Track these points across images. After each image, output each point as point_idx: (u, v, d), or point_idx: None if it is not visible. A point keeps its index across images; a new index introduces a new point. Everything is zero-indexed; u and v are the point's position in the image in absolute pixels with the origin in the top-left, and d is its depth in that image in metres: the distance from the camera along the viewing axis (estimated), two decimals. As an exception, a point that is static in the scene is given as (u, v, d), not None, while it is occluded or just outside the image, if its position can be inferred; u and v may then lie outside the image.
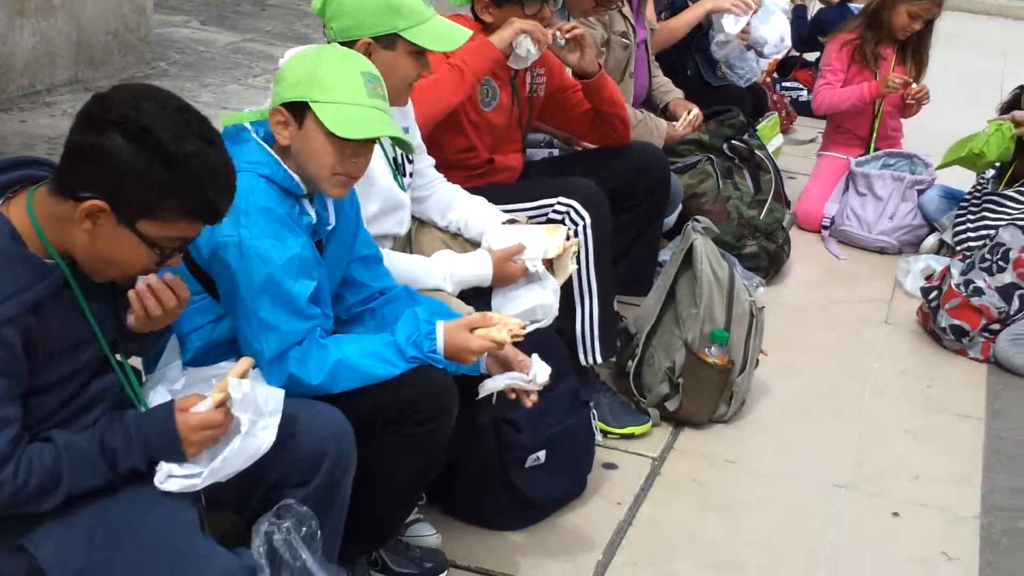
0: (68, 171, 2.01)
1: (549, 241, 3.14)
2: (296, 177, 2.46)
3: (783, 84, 7.31)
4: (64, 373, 2.07)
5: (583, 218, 3.50)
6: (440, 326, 2.51)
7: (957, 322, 4.32)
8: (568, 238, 3.22)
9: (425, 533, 2.96)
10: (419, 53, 2.88)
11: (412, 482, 2.65)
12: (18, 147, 4.89)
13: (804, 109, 6.96)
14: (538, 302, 3.09)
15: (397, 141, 2.56)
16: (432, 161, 3.33)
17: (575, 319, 3.54)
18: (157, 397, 2.25)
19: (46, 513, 2.06)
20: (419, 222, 3.31)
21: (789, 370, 4.10)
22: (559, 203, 3.51)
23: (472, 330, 2.54)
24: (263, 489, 2.34)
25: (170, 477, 2.08)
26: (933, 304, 4.40)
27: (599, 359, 3.58)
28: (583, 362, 3.56)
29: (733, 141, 4.96)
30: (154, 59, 6.41)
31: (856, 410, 3.92)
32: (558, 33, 3.57)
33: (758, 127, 5.68)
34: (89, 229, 1.99)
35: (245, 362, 2.16)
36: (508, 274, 3.10)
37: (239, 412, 2.11)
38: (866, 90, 5.48)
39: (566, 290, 3.53)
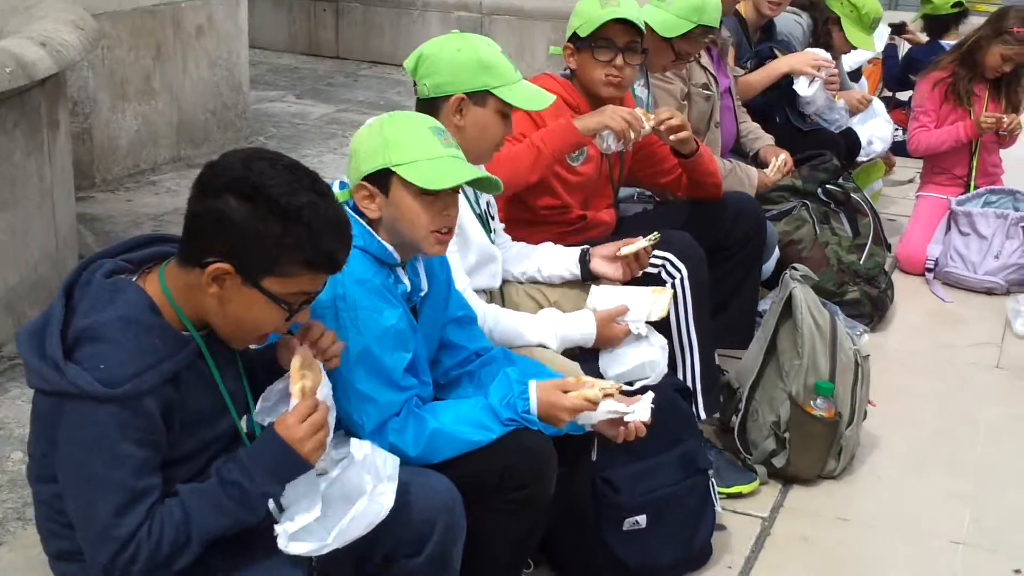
0: (190, 240, 2.07)
1: (653, 303, 3.12)
2: (389, 247, 2.48)
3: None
4: (198, 444, 2.11)
5: (679, 271, 3.45)
6: (533, 386, 2.50)
7: (1073, 364, 4.17)
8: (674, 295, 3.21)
9: None
10: (506, 115, 2.92)
11: (516, 549, 2.64)
12: (125, 225, 5.02)
13: (901, 150, 6.82)
14: (646, 359, 3.08)
15: (481, 183, 2.57)
16: (502, 226, 3.35)
17: (676, 375, 3.49)
18: None
19: None
20: (502, 279, 3.31)
21: (899, 420, 3.97)
22: (654, 256, 3.48)
23: (566, 391, 2.53)
24: (376, 559, 2.34)
25: (292, 541, 2.08)
26: (1047, 346, 4.26)
27: (703, 415, 3.51)
28: (686, 419, 3.51)
29: (828, 185, 4.88)
30: (252, 134, 6.57)
31: (971, 461, 3.78)
32: (650, 122, 3.50)
33: (856, 170, 5.63)
34: (216, 293, 2.04)
35: (302, 352, 2.18)
36: (611, 335, 3.10)
37: (364, 472, 2.14)
38: (962, 131, 5.37)
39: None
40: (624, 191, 4.06)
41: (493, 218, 3.22)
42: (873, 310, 4.73)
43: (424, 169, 2.42)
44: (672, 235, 3.56)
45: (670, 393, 3.20)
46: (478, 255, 3.04)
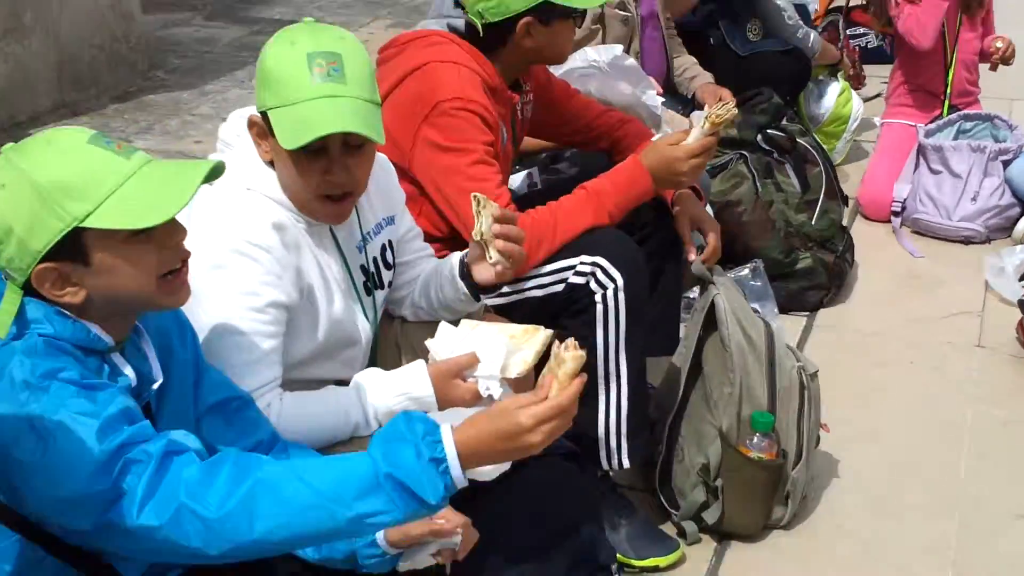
0: None
1: (516, 351, 2.16)
2: (95, 328, 1.72)
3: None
4: None
5: (613, 280, 2.67)
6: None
7: (1071, 345, 3.43)
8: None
9: None
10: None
11: None
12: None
13: (870, 57, 6.00)
14: None
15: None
16: (415, 231, 2.54)
17: (597, 412, 2.72)
18: None
19: None
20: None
21: (863, 434, 3.24)
22: (581, 263, 2.70)
23: None
24: None
25: None
26: (1037, 321, 3.51)
27: (626, 463, 2.75)
28: (606, 466, 2.75)
29: (769, 130, 4.09)
30: (150, 68, 5.87)
31: (953, 492, 3.03)
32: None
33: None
34: None
35: None
36: (453, 397, 2.19)
37: None
38: None
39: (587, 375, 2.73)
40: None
41: (391, 266, 2.43)
42: (829, 279, 3.97)
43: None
44: (602, 235, 2.76)
45: (558, 465, 2.44)
46: (327, 333, 2.23)
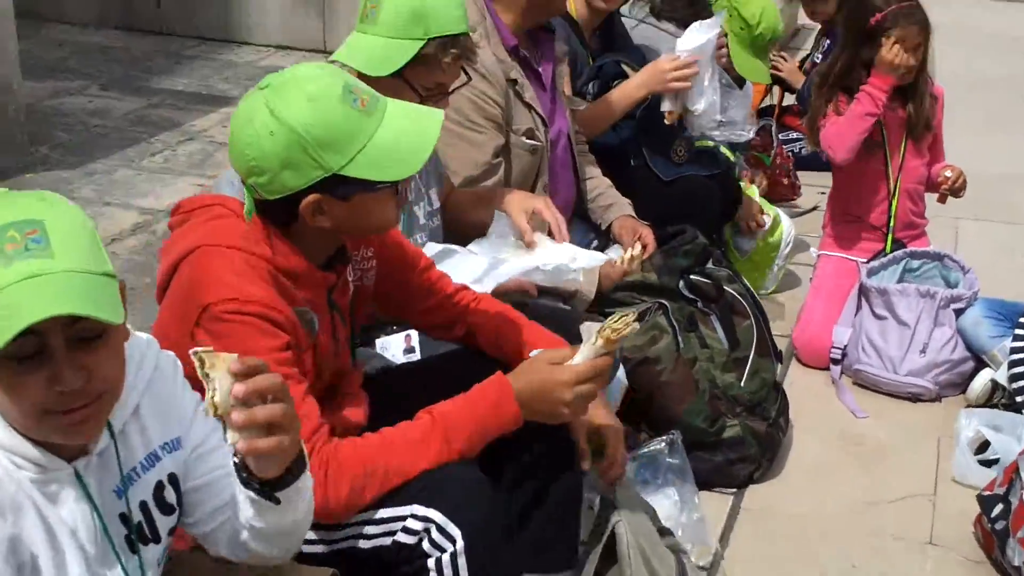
0: None
1: None
2: None
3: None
4: None
5: (451, 540, 2.11)
6: None
7: (1041, 560, 2.90)
8: None
9: None
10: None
11: None
12: None
13: (804, 164, 5.54)
14: None
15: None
16: (213, 441, 1.88)
17: None
18: None
19: None
20: None
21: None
22: (412, 516, 2.13)
23: None
24: None
25: None
26: (998, 526, 2.97)
27: None
28: None
29: (692, 276, 3.57)
30: (34, 143, 5.26)
31: None
32: None
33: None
34: None
35: None
36: None
37: None
38: (873, 93, 4.01)
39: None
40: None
41: (173, 509, 1.83)
42: (761, 451, 3.41)
43: None
44: (445, 475, 2.17)
45: None
46: None
